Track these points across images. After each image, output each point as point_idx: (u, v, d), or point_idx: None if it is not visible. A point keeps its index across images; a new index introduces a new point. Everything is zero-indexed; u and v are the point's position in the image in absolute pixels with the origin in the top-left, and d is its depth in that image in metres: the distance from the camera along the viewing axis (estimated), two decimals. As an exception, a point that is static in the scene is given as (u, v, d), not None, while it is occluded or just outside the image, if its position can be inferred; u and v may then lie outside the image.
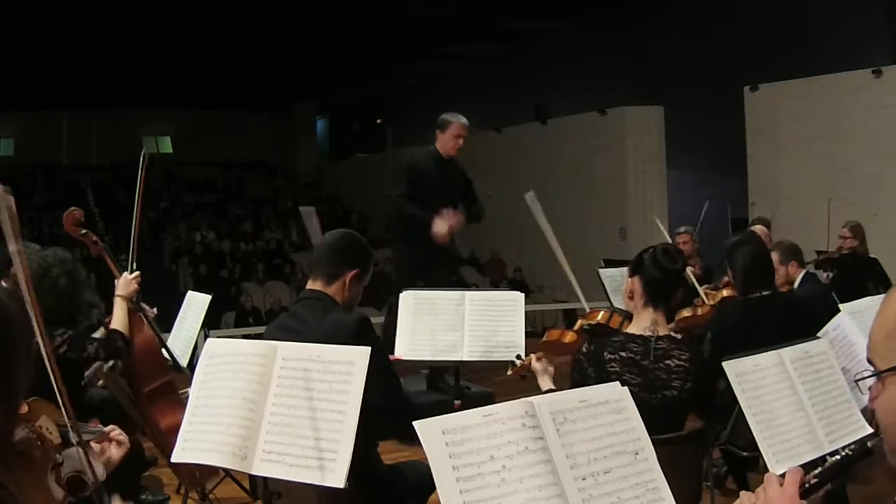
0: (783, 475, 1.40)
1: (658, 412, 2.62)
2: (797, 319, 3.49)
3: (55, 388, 1.77)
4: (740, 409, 2.54)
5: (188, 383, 3.91)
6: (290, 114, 24.86)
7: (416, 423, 1.55)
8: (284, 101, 23.50)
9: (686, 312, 4.69)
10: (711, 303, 4.76)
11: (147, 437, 3.85)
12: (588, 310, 3.99)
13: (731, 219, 11.15)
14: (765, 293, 3.72)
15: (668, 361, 2.77)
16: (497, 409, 1.63)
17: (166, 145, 25.06)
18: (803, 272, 5.06)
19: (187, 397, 3.59)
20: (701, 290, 4.96)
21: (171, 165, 23.88)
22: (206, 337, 3.72)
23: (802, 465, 1.43)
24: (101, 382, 4.03)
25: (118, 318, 3.36)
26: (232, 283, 15.49)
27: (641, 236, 11.63)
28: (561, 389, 2.63)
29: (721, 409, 3.09)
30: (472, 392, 5.39)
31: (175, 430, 3.40)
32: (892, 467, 1.22)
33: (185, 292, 4.79)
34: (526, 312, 3.81)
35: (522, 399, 1.67)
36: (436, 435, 1.55)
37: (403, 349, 3.71)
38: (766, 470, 2.42)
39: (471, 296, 3.83)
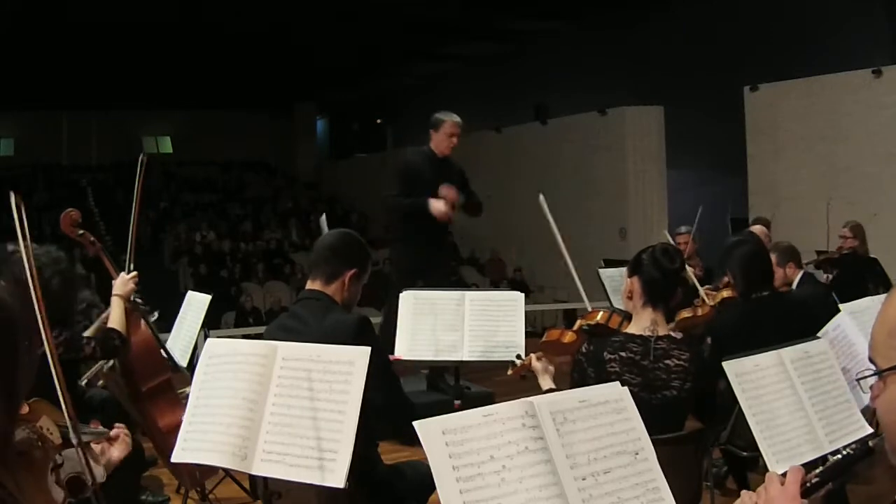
0: (784, 474, 1.40)
1: (658, 412, 2.62)
2: (797, 319, 3.49)
3: (58, 388, 1.78)
4: (740, 409, 2.54)
5: (187, 383, 3.93)
6: (290, 114, 24.86)
7: (416, 423, 1.55)
8: (284, 101, 23.50)
9: (686, 313, 4.69)
10: (711, 303, 4.76)
11: (147, 437, 3.85)
12: (590, 310, 3.99)
13: (731, 219, 11.17)
14: (764, 293, 3.72)
15: (667, 361, 2.77)
16: (497, 409, 1.63)
17: (166, 145, 25.07)
18: (801, 273, 5.06)
19: (186, 397, 3.61)
20: (701, 290, 4.96)
21: (171, 165, 23.88)
22: (206, 337, 3.72)
23: (803, 465, 1.43)
24: (101, 382, 4.03)
25: (115, 318, 3.36)
26: (232, 283, 15.48)
27: (641, 236, 11.63)
28: (561, 389, 2.64)
29: (721, 408, 3.09)
30: (472, 392, 5.38)
31: (174, 428, 3.41)
32: (892, 467, 1.22)
33: (185, 292, 4.79)
34: (526, 312, 3.81)
35: (522, 399, 1.67)
36: (436, 435, 1.55)
37: (403, 349, 3.71)
38: (766, 470, 2.42)
39: (471, 296, 3.83)
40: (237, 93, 21.00)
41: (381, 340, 3.91)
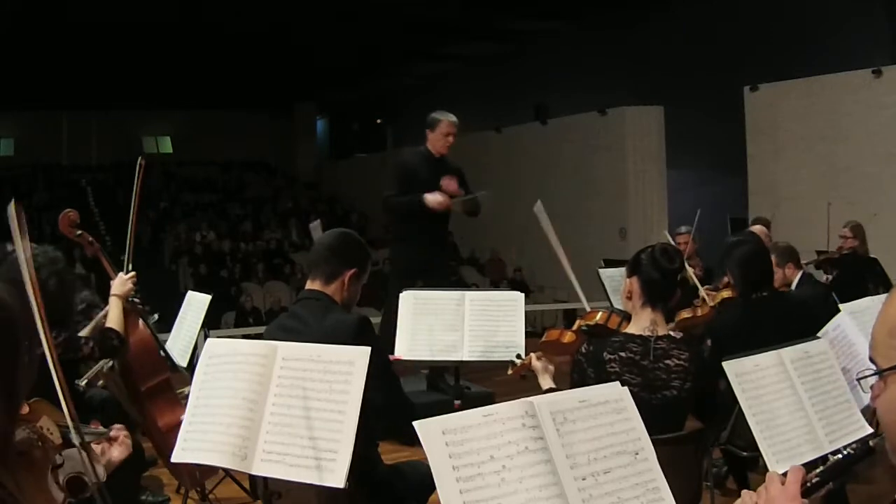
0: (785, 474, 1.40)
1: (658, 412, 2.62)
2: (797, 319, 3.49)
3: (58, 389, 1.78)
4: (740, 409, 2.54)
5: (186, 383, 3.93)
6: (290, 114, 24.86)
7: (416, 423, 1.55)
8: (284, 101, 23.50)
9: (686, 313, 4.69)
10: (711, 304, 4.76)
11: (146, 437, 3.85)
12: (589, 311, 3.98)
13: (731, 219, 11.18)
14: (764, 294, 3.71)
15: (667, 361, 2.77)
16: (497, 409, 1.63)
17: (166, 145, 25.07)
18: (800, 273, 5.06)
19: (185, 396, 3.61)
20: (702, 290, 4.96)
21: (171, 165, 23.87)
22: (206, 337, 3.72)
23: (803, 465, 1.43)
24: (101, 382, 4.03)
25: (113, 317, 3.36)
26: (232, 283, 15.48)
27: (641, 236, 11.63)
28: (561, 389, 2.64)
29: (721, 408, 3.09)
30: (472, 392, 5.39)
31: (173, 428, 3.42)
32: (893, 467, 1.22)
33: (185, 292, 4.79)
34: (526, 312, 3.81)
35: (522, 399, 1.67)
36: (436, 435, 1.55)
37: (403, 349, 3.71)
38: (766, 470, 2.42)
39: (471, 296, 3.83)
40: (237, 93, 21.00)
41: (380, 341, 3.92)
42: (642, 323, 2.84)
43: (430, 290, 3.93)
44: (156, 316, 4.04)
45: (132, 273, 3.58)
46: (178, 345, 4.36)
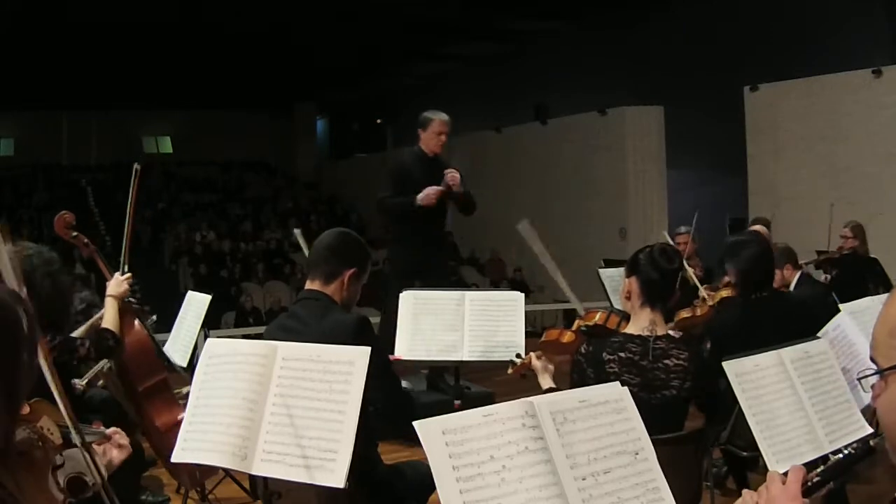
0: (786, 473, 1.40)
1: (658, 412, 2.62)
2: (797, 319, 3.48)
3: (54, 391, 1.77)
4: (740, 409, 2.54)
5: (184, 383, 3.93)
6: (290, 114, 24.86)
7: (416, 423, 1.55)
8: (284, 101, 23.50)
9: (685, 313, 4.69)
10: (711, 303, 4.76)
11: (145, 437, 3.85)
12: (583, 312, 3.98)
13: (731, 219, 11.17)
14: (764, 294, 3.71)
15: (666, 361, 2.77)
16: (497, 409, 1.63)
17: (166, 145, 25.07)
18: (798, 274, 5.06)
19: (182, 396, 3.61)
20: (702, 289, 4.96)
21: (171, 165, 23.88)
22: (206, 337, 3.72)
23: (803, 465, 1.43)
24: (101, 382, 4.03)
25: (109, 318, 3.37)
26: (232, 283, 15.49)
27: (641, 236, 11.63)
28: (561, 389, 2.64)
29: (722, 408, 3.09)
30: (472, 392, 5.39)
31: (171, 428, 3.43)
32: (893, 466, 1.22)
33: (185, 292, 4.79)
34: (526, 312, 3.81)
35: (522, 399, 1.67)
36: (436, 435, 1.55)
37: (403, 349, 3.71)
38: (766, 470, 2.42)
39: (471, 296, 3.83)
40: (237, 93, 21.00)
41: (380, 341, 3.92)
42: (641, 323, 2.84)
43: (430, 290, 3.93)
44: (154, 317, 4.04)
45: (128, 274, 3.59)
46: (178, 345, 4.36)
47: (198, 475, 3.61)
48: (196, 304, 4.45)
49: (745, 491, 1.45)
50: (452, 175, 5.33)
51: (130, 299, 3.60)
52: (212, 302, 4.39)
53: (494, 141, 15.99)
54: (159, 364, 3.73)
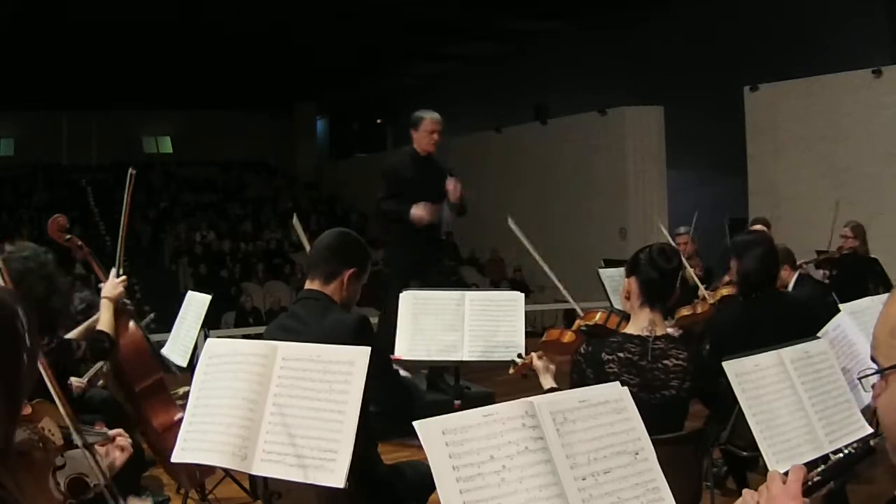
0: (787, 473, 1.40)
1: (657, 412, 2.62)
2: (797, 319, 3.48)
3: (52, 391, 1.77)
4: (740, 409, 2.54)
5: (180, 383, 3.93)
6: (290, 114, 24.86)
7: (416, 423, 1.55)
8: (284, 101, 23.51)
9: (685, 311, 4.69)
10: (711, 301, 4.76)
11: (143, 437, 3.85)
12: (583, 314, 3.99)
13: (731, 219, 11.17)
14: (765, 293, 3.70)
15: (665, 361, 2.77)
16: (497, 409, 1.63)
17: (166, 145, 25.07)
18: (796, 275, 5.07)
19: (180, 396, 3.62)
20: (702, 288, 4.97)
21: (171, 165, 23.89)
22: (206, 337, 3.72)
23: (804, 465, 1.43)
24: (101, 382, 4.04)
25: (104, 320, 3.38)
26: (232, 283, 15.49)
27: (641, 236, 11.63)
28: (562, 389, 2.64)
29: (722, 407, 3.09)
30: (472, 392, 5.39)
31: (169, 428, 3.43)
32: (893, 466, 1.22)
33: (185, 292, 4.79)
34: (526, 312, 3.81)
35: (522, 399, 1.67)
36: (436, 435, 1.55)
37: (403, 349, 3.71)
38: (766, 470, 2.42)
39: (471, 296, 3.83)
40: (237, 93, 21.00)
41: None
42: (641, 323, 2.84)
43: (430, 290, 3.93)
44: (152, 315, 4.05)
45: (123, 277, 3.59)
46: (177, 345, 4.36)
47: (197, 475, 3.61)
48: (196, 304, 4.45)
49: (745, 490, 1.45)
50: (453, 189, 5.35)
51: (126, 301, 3.61)
52: (212, 302, 4.38)
53: (494, 141, 15.99)
54: (155, 365, 3.73)
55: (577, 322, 3.83)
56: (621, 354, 2.77)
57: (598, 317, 3.72)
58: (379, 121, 24.65)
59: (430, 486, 1.83)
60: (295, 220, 4.13)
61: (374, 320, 4.09)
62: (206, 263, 16.39)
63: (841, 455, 1.41)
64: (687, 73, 13.04)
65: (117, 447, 2.04)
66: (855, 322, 3.07)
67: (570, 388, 2.70)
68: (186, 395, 3.53)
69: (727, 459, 3.93)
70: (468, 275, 15.70)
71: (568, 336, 3.73)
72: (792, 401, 2.57)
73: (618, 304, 4.76)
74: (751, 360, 2.59)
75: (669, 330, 2.94)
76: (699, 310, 4.69)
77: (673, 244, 5.63)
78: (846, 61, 10.33)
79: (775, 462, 2.43)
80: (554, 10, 14.28)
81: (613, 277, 5.18)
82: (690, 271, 5.21)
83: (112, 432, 2.08)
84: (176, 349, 4.34)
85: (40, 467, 1.61)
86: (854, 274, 6.38)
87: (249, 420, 2.24)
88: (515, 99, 17.32)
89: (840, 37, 11.25)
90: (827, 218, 7.32)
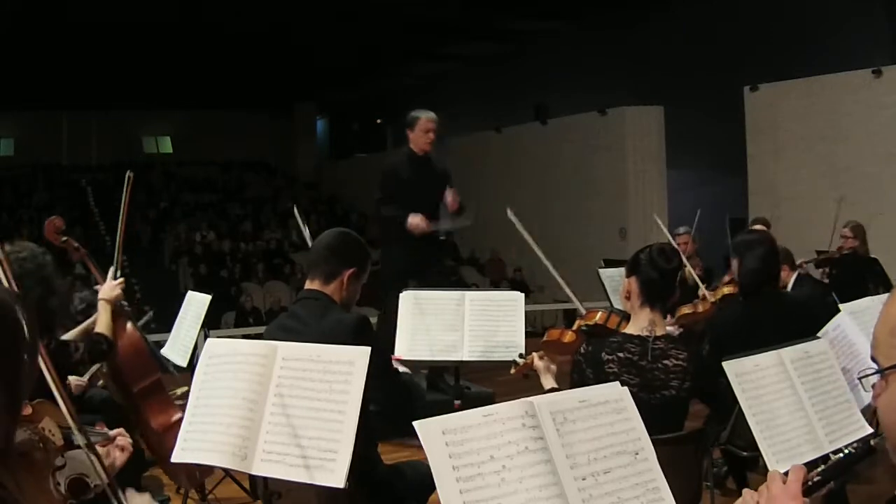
0: (787, 473, 1.40)
1: (657, 412, 2.62)
2: (797, 319, 3.48)
3: (55, 393, 1.77)
4: (740, 409, 2.54)
5: (178, 384, 3.93)
6: (290, 114, 24.87)
7: (416, 423, 1.55)
8: (284, 101, 23.51)
9: (686, 309, 4.69)
10: (713, 299, 4.76)
11: (142, 437, 3.86)
12: (584, 312, 3.99)
13: (731, 219, 11.17)
14: (766, 293, 3.70)
15: (665, 361, 2.77)
16: (497, 409, 1.63)
17: (166, 145, 25.07)
18: (795, 275, 5.07)
19: (178, 397, 3.62)
20: (703, 287, 4.97)
21: (171, 165, 23.89)
22: (206, 337, 3.72)
23: (804, 465, 1.43)
24: (101, 382, 4.04)
25: (102, 322, 3.38)
26: (232, 283, 15.49)
27: (641, 236, 11.63)
28: (563, 389, 2.64)
29: (722, 407, 3.09)
30: (472, 392, 5.39)
31: (167, 428, 3.44)
32: (893, 466, 1.22)
33: (185, 292, 4.79)
34: (526, 312, 3.81)
35: (522, 399, 1.67)
36: (436, 435, 1.54)
37: (403, 349, 3.71)
38: (766, 470, 2.42)
39: (471, 296, 3.83)
40: (237, 93, 21.00)
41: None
42: (641, 323, 2.84)
43: (430, 290, 3.92)
44: (150, 313, 4.05)
45: (121, 279, 3.60)
46: (177, 345, 4.36)
47: (197, 475, 3.61)
48: (196, 305, 4.45)
49: (745, 490, 1.45)
50: (452, 202, 5.37)
51: (123, 302, 3.61)
52: (212, 302, 4.38)
53: (494, 141, 15.99)
54: (153, 365, 3.73)
55: (578, 322, 3.82)
56: (621, 354, 2.77)
57: (599, 317, 3.72)
58: (379, 121, 24.65)
59: (430, 486, 1.83)
60: (295, 211, 4.13)
61: (373, 320, 4.09)
62: (206, 263, 16.39)
63: (841, 455, 1.41)
64: (687, 73, 13.04)
65: (118, 447, 2.04)
66: (855, 322, 3.07)
67: (570, 388, 2.70)
68: (185, 395, 3.54)
69: (727, 459, 3.93)
70: (468, 275, 15.69)
71: (569, 336, 3.73)
72: (792, 401, 2.57)
73: (618, 304, 4.75)
74: (751, 360, 2.59)
75: (669, 328, 2.94)
76: (700, 308, 4.69)
77: (672, 242, 5.64)
78: (846, 61, 10.33)
79: (775, 462, 2.43)
80: (554, 10, 14.28)
81: (613, 277, 5.18)
82: (690, 270, 5.22)
83: (113, 432, 2.08)
84: (176, 349, 4.34)
85: (41, 467, 1.61)
86: (854, 274, 6.38)
87: (249, 420, 2.24)
88: (515, 99, 17.32)
89: (840, 37, 11.25)
90: (827, 217, 7.32)
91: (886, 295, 1.34)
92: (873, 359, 1.27)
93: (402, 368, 5.13)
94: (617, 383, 1.86)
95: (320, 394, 2.19)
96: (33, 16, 13.25)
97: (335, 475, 2.09)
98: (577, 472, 1.63)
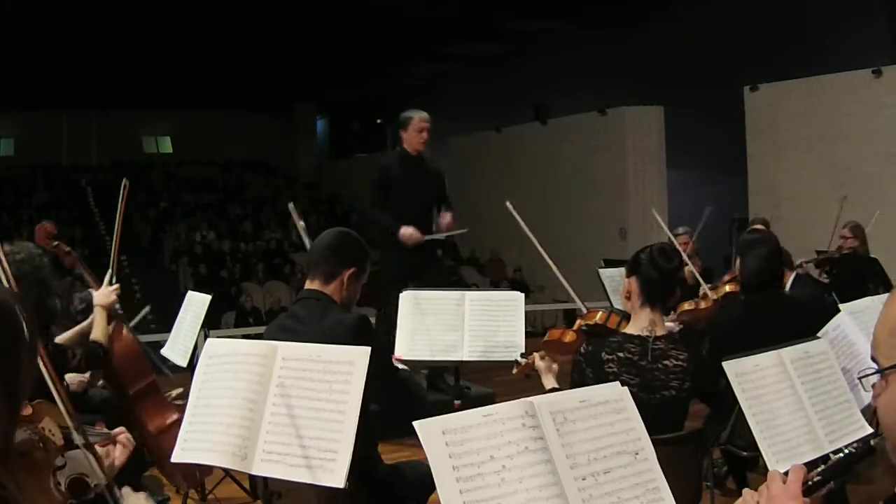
0: (787, 473, 1.40)
1: (657, 412, 2.62)
2: (797, 319, 3.48)
3: (55, 394, 1.77)
4: (740, 409, 2.54)
5: (173, 385, 3.93)
6: (290, 114, 24.87)
7: (416, 423, 1.55)
8: (284, 101, 23.51)
9: (687, 305, 4.68)
10: (715, 297, 4.76)
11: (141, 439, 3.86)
12: (585, 311, 3.98)
13: (731, 219, 11.17)
14: (766, 293, 3.70)
15: (665, 362, 2.77)
16: (497, 409, 1.63)
17: (166, 145, 25.07)
18: (793, 275, 5.07)
19: (174, 398, 3.62)
20: (704, 286, 4.96)
21: (171, 165, 23.89)
22: (206, 337, 3.72)
23: (804, 465, 1.43)
24: (100, 382, 4.04)
25: (98, 329, 3.39)
26: (232, 283, 15.49)
27: (641, 236, 11.64)
28: (563, 389, 2.64)
29: (722, 407, 3.09)
30: (472, 392, 5.38)
31: (164, 430, 3.44)
32: (893, 466, 1.22)
33: (185, 292, 4.79)
34: (526, 312, 3.81)
35: (522, 399, 1.67)
36: (436, 435, 1.54)
37: (403, 349, 3.71)
38: (766, 470, 2.42)
39: (471, 296, 3.83)
40: (237, 93, 21.01)
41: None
42: (641, 323, 2.84)
43: (430, 290, 3.92)
44: (148, 307, 4.05)
45: (116, 285, 3.60)
46: (177, 345, 4.36)
47: (197, 475, 3.61)
48: (196, 305, 4.44)
49: (745, 490, 1.45)
50: (447, 224, 5.38)
51: (117, 307, 3.61)
52: (212, 302, 4.38)
53: (494, 141, 15.99)
54: (147, 367, 3.74)
55: (578, 322, 3.82)
56: (621, 354, 2.77)
57: (599, 317, 3.71)
58: (379, 121, 24.65)
59: (430, 486, 1.83)
60: (291, 207, 4.12)
61: (373, 320, 4.09)
62: (206, 263, 16.39)
63: (841, 455, 1.41)
64: (687, 73, 13.04)
65: (119, 444, 2.04)
66: (855, 322, 3.07)
67: (571, 387, 2.70)
68: (180, 395, 3.55)
69: (727, 459, 3.93)
70: (468, 275, 15.69)
71: (569, 336, 3.72)
72: (792, 401, 2.57)
73: (618, 304, 4.75)
74: (751, 360, 2.59)
75: (670, 324, 2.94)
76: (702, 305, 4.68)
77: (672, 238, 5.64)
78: (846, 61, 10.33)
79: (775, 462, 2.43)
80: (554, 10, 14.28)
81: (613, 277, 5.18)
82: (692, 269, 5.21)
83: (114, 431, 2.08)
84: (176, 349, 4.34)
85: (41, 467, 1.61)
86: (854, 274, 6.37)
87: (249, 420, 2.24)
88: (515, 99, 17.32)
89: (840, 37, 11.25)
90: (827, 217, 7.32)
91: (886, 295, 1.34)
92: (873, 359, 1.27)
93: (401, 366, 5.13)
94: (617, 383, 1.86)
95: (320, 394, 2.19)
96: (33, 16, 13.25)
97: (335, 475, 2.09)
98: (577, 472, 1.63)
